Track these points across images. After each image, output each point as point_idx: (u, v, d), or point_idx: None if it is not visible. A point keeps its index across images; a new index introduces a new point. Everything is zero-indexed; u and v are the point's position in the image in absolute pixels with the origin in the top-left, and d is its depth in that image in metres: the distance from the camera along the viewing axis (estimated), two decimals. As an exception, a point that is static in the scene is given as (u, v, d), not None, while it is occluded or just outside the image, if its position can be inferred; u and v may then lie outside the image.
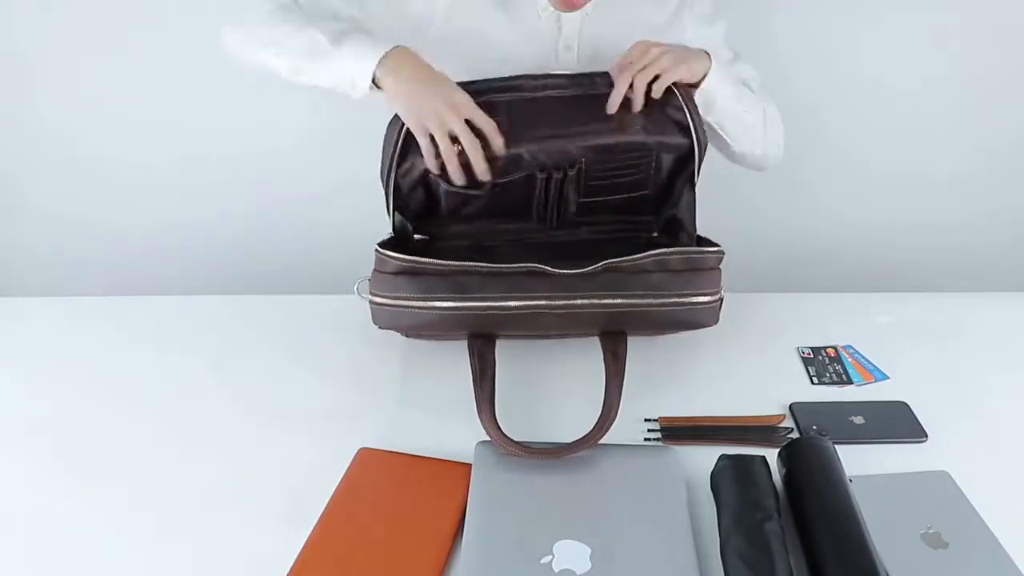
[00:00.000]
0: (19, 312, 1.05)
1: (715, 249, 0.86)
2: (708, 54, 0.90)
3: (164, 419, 0.83)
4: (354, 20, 0.91)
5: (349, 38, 0.83)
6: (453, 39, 0.92)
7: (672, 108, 0.87)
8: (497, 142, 0.81)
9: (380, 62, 0.82)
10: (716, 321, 0.88)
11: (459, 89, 0.82)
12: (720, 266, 0.87)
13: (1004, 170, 1.45)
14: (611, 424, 0.75)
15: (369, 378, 0.90)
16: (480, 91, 0.85)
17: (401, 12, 0.93)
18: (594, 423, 0.75)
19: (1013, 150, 1.43)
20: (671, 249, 0.83)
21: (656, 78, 0.84)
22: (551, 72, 0.88)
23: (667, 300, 0.83)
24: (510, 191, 0.90)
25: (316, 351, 0.94)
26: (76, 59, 1.36)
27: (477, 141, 0.81)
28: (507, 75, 0.87)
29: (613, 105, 0.85)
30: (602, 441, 0.74)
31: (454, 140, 0.81)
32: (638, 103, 0.85)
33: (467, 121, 0.80)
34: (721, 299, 0.87)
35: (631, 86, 0.84)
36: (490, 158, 0.83)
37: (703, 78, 0.89)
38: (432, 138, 0.81)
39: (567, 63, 0.94)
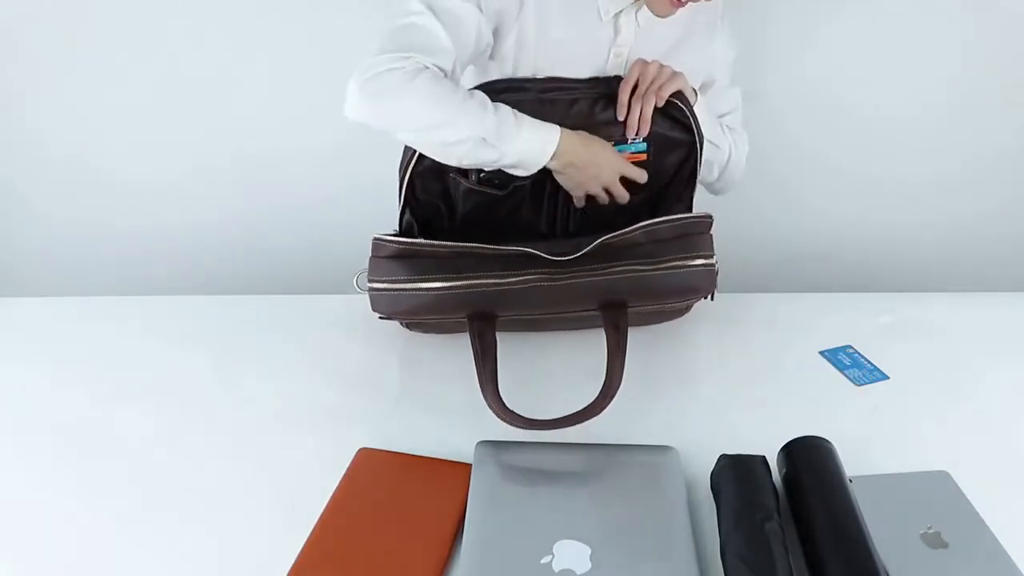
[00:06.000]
0: (20, 312, 1.05)
1: (702, 214, 0.88)
2: (696, 92, 0.96)
3: (164, 419, 0.83)
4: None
5: (523, 124, 0.84)
6: (529, 43, 0.93)
7: (673, 110, 0.91)
8: (642, 179, 0.92)
9: (556, 150, 0.85)
10: (714, 287, 0.89)
11: (609, 150, 0.90)
12: (711, 232, 0.89)
13: (1004, 169, 1.45)
14: (614, 394, 0.76)
15: (369, 378, 0.90)
16: (497, 89, 0.88)
17: (502, 20, 0.93)
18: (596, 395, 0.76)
19: (1013, 149, 1.43)
20: (659, 219, 0.85)
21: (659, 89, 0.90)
22: (568, 77, 0.92)
23: (662, 265, 0.85)
24: (525, 193, 0.93)
25: (316, 351, 0.94)
26: (76, 60, 1.36)
27: (626, 193, 0.92)
28: (537, 76, 0.92)
29: (631, 128, 0.91)
30: (602, 441, 0.75)
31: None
32: (645, 127, 0.90)
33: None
34: (716, 267, 0.88)
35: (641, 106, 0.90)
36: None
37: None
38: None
39: (615, 68, 0.96)
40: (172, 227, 1.52)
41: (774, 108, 1.35)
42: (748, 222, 1.40)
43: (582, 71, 0.93)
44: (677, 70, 0.92)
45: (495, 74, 0.94)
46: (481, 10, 0.88)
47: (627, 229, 0.84)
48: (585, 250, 0.84)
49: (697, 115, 0.93)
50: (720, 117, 1.04)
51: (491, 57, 0.95)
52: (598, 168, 0.89)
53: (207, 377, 0.90)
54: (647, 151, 0.93)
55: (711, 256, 0.87)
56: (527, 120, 0.85)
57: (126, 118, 1.41)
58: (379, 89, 0.82)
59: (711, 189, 1.09)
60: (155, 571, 0.65)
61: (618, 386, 0.77)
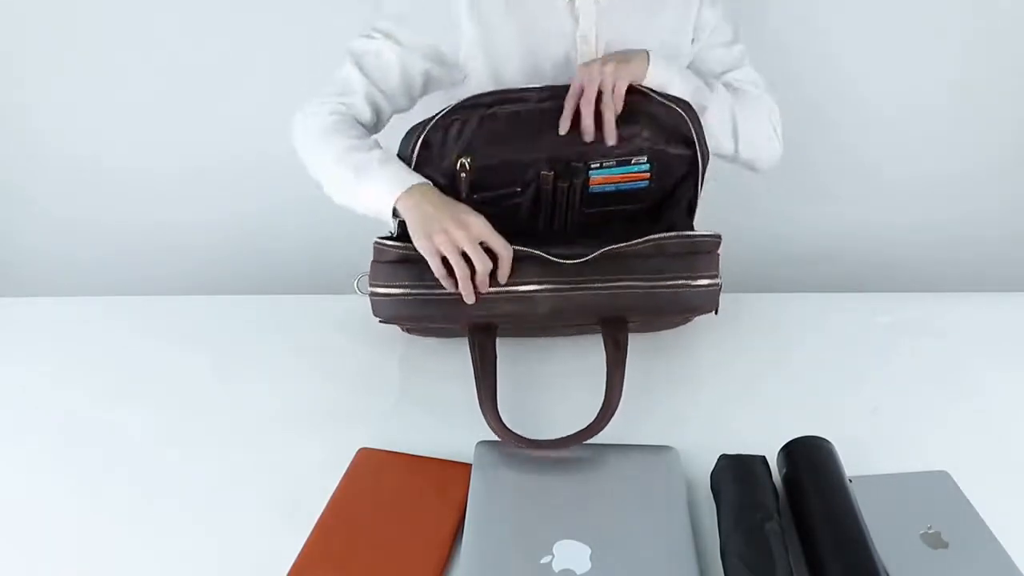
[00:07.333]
0: (20, 312, 1.05)
1: (710, 233, 0.87)
2: (647, 52, 0.91)
3: (164, 419, 0.83)
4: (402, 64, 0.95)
5: (369, 175, 0.86)
6: (480, 51, 0.94)
7: (676, 122, 0.89)
8: (505, 272, 0.81)
9: (398, 200, 0.83)
10: (716, 306, 0.88)
11: (475, 213, 0.81)
12: (718, 252, 0.87)
13: (1004, 169, 1.45)
14: (613, 412, 0.76)
15: (369, 378, 0.90)
16: (487, 103, 0.88)
17: (436, 49, 0.95)
18: (596, 414, 0.76)
19: (1013, 148, 1.43)
20: (668, 234, 0.84)
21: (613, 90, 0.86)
22: (557, 84, 0.90)
23: (666, 282, 0.84)
24: (520, 205, 0.92)
25: (316, 351, 0.94)
26: (77, 60, 1.36)
27: (488, 261, 0.79)
28: (520, 86, 0.91)
29: (587, 132, 0.87)
30: (602, 441, 0.74)
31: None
32: (611, 135, 0.86)
33: (483, 244, 0.80)
34: (720, 285, 0.87)
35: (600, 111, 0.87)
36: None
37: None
38: (445, 260, 0.80)
39: (586, 55, 0.95)
40: (172, 227, 1.52)
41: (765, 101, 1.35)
42: (748, 223, 1.40)
43: (555, 67, 0.93)
44: (622, 57, 0.88)
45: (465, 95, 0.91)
46: (402, 45, 0.93)
47: (636, 241, 0.83)
48: (592, 255, 0.82)
49: (666, 81, 0.90)
50: (718, 77, 1.00)
51: (459, 83, 0.96)
52: (447, 219, 0.80)
53: (207, 377, 0.90)
54: (649, 170, 0.92)
55: (716, 276, 0.86)
56: (397, 166, 0.86)
57: (127, 118, 1.41)
58: (294, 130, 0.96)
59: (744, 164, 1.03)
60: (155, 571, 0.65)
61: (617, 404, 0.77)
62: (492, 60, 0.94)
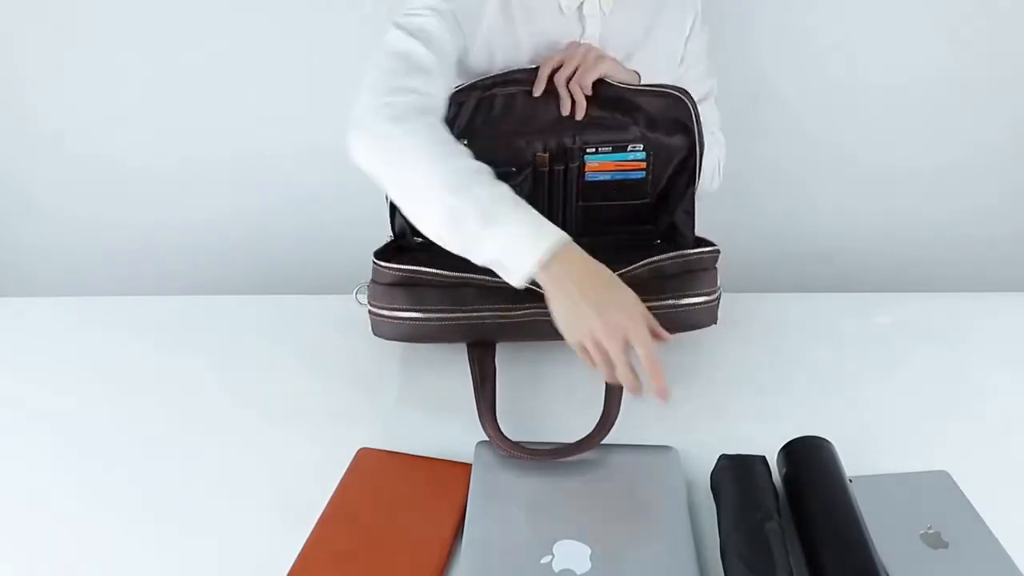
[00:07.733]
0: (20, 312, 1.05)
1: (710, 249, 0.86)
2: (638, 75, 0.93)
3: (164, 419, 0.83)
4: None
5: (497, 222, 0.70)
6: (497, 51, 0.92)
7: (672, 109, 0.90)
8: (655, 381, 0.68)
9: (542, 265, 0.69)
10: (715, 321, 0.88)
11: (623, 302, 0.70)
12: (716, 266, 0.87)
13: (1004, 167, 1.45)
14: (611, 426, 0.75)
15: (369, 378, 0.90)
16: (486, 85, 0.88)
17: (452, 62, 0.91)
18: (595, 424, 0.75)
19: (1013, 146, 1.43)
20: (665, 255, 0.83)
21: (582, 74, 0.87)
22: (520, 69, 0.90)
23: (664, 303, 0.83)
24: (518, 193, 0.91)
25: (316, 351, 0.94)
26: (77, 60, 1.36)
27: (636, 380, 0.69)
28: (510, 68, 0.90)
29: (563, 103, 0.88)
30: (602, 441, 0.74)
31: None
32: (580, 108, 0.88)
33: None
34: (719, 298, 0.87)
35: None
36: None
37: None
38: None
39: None
40: (172, 227, 1.52)
41: (773, 109, 1.36)
42: (748, 222, 1.40)
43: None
44: (609, 55, 0.90)
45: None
46: (447, 23, 0.86)
47: (631, 267, 0.82)
48: None
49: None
50: None
51: (459, 73, 0.93)
52: (612, 311, 0.69)
53: (207, 377, 0.90)
54: (645, 159, 0.92)
55: (714, 291, 0.85)
56: (530, 209, 0.72)
57: (127, 117, 1.41)
58: (359, 136, 0.77)
59: None
60: (155, 571, 0.65)
61: (616, 417, 0.76)
62: (501, 62, 0.93)
